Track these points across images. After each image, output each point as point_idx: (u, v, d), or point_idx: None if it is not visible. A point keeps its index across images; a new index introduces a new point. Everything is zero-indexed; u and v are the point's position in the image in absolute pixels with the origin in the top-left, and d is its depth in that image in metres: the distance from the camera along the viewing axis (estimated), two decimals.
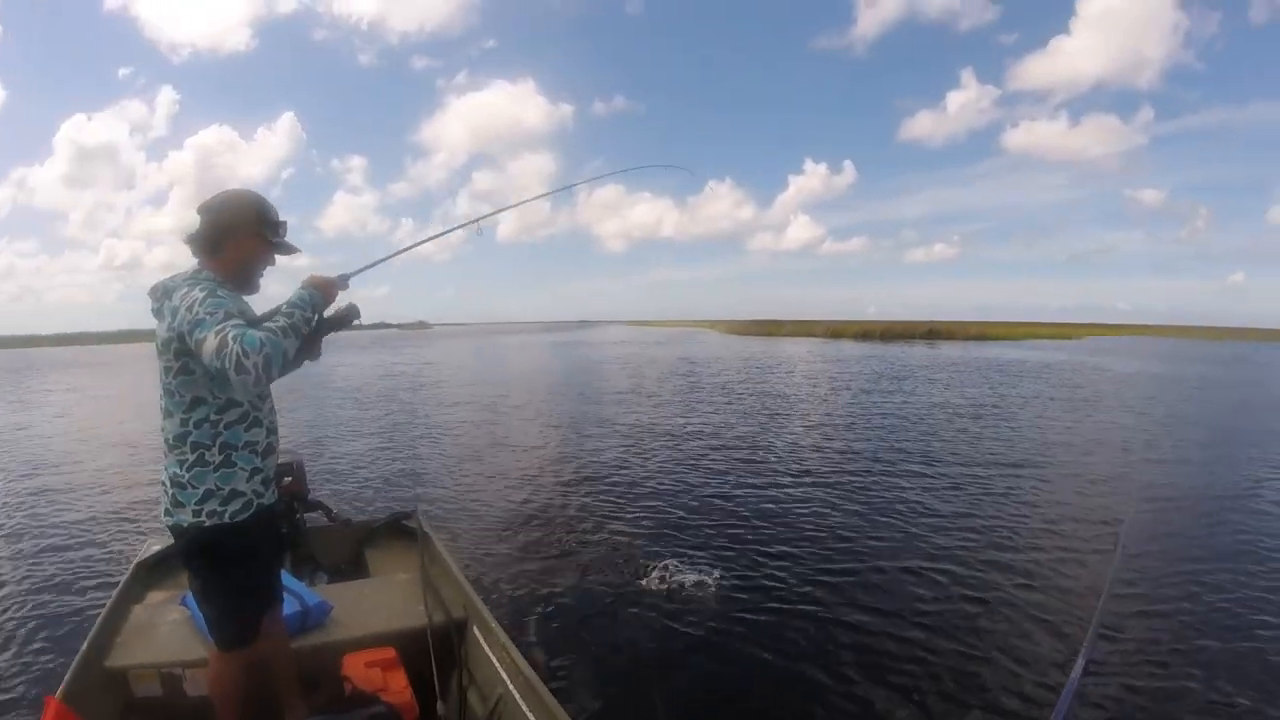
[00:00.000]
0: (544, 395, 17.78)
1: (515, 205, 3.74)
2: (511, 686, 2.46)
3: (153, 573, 3.43)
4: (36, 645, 3.91)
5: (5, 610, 4.44)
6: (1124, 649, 3.89)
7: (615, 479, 8.09)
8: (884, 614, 4.39)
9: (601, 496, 7.29)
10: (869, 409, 14.36)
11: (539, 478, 8.34)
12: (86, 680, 2.39)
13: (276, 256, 2.17)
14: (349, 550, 3.96)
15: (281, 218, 2.14)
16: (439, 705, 2.57)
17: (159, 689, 2.55)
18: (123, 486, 7.99)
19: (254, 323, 1.88)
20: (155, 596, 3.15)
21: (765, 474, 8.39)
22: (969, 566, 5.20)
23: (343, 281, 2.17)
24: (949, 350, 39.08)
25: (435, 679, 2.63)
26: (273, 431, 2.16)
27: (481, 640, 2.79)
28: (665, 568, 5.00)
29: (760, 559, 5.39)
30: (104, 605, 2.99)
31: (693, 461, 9.10)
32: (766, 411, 14.00)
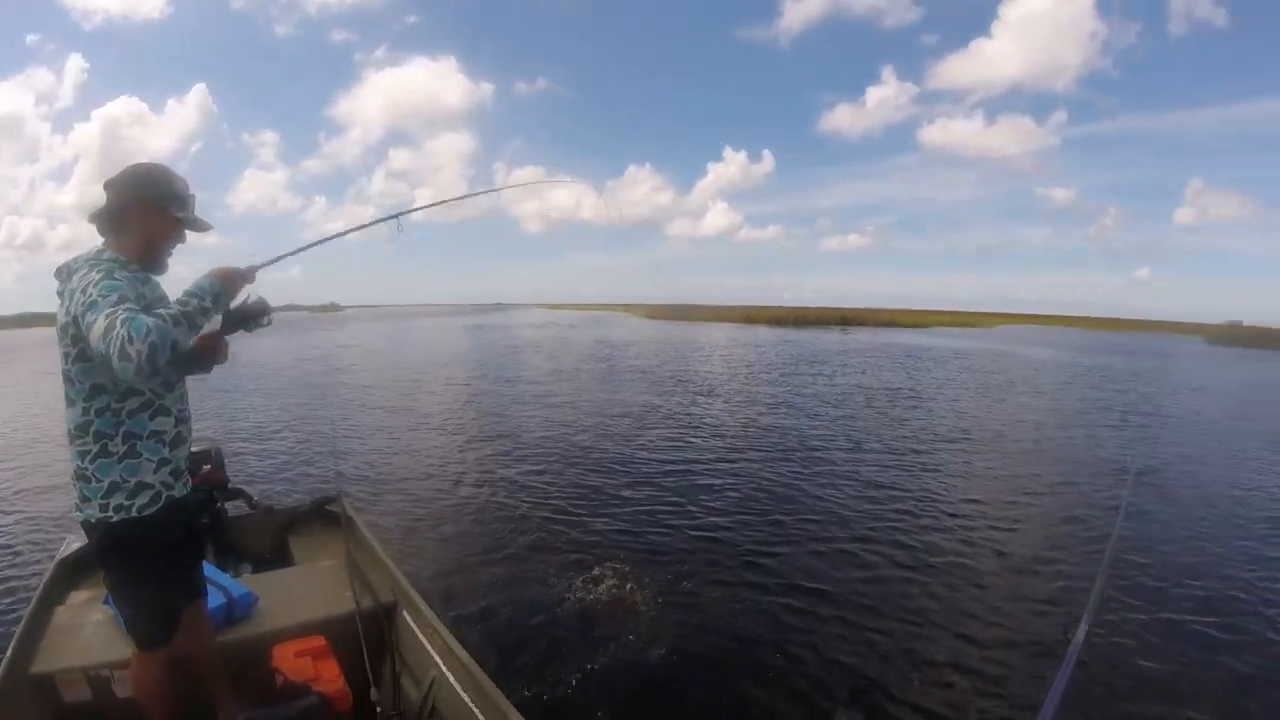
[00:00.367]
0: (462, 378, 17.43)
1: (434, 204, 3.55)
2: (444, 668, 2.44)
3: (75, 571, 3.23)
4: None
5: None
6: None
7: (537, 460, 8.04)
8: (815, 588, 4.54)
9: (524, 478, 7.24)
10: (791, 392, 14.78)
11: (460, 459, 8.21)
12: (13, 688, 2.27)
13: (187, 234, 2.02)
14: (272, 538, 3.81)
15: (191, 191, 2.01)
16: (372, 691, 2.51)
17: (88, 692, 2.41)
18: (39, 481, 7.35)
19: (151, 308, 1.75)
20: (78, 596, 2.96)
21: (690, 453, 8.53)
22: (897, 543, 5.43)
23: (249, 274, 2.00)
24: (861, 336, 40.53)
25: (367, 665, 2.57)
26: (183, 421, 2.03)
27: (412, 623, 2.76)
28: (591, 546, 5.04)
29: (689, 535, 5.50)
30: (26, 608, 2.82)
31: (615, 442, 9.15)
32: (688, 393, 14.19)
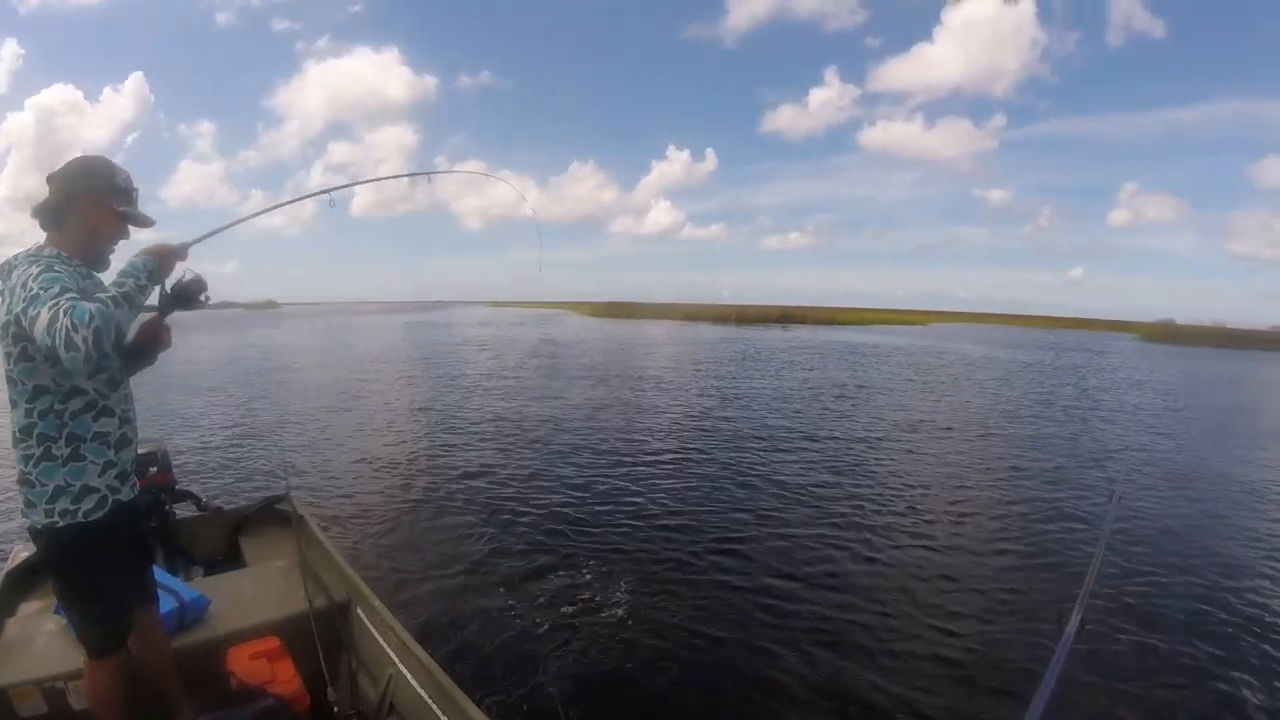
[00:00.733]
0: (405, 377, 17.06)
1: (369, 181, 3.53)
2: (401, 666, 2.41)
3: (24, 581, 3.05)
4: None
5: None
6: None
7: (485, 458, 7.95)
8: (784, 584, 4.55)
9: (472, 475, 7.15)
10: (736, 389, 14.91)
11: (409, 456, 8.06)
12: None
13: (130, 229, 1.97)
14: (223, 540, 3.68)
15: (134, 184, 1.95)
16: (329, 691, 2.45)
17: (44, 705, 2.30)
18: None
19: (90, 297, 1.70)
20: (29, 607, 2.82)
21: (643, 449, 8.54)
22: (865, 538, 5.48)
23: (182, 250, 1.95)
24: (802, 334, 41.12)
25: (323, 665, 2.52)
26: (127, 422, 1.97)
27: (367, 621, 2.71)
28: (544, 541, 5.02)
29: (644, 529, 5.52)
30: None
31: (564, 438, 9.12)
32: (636, 390, 14.23)
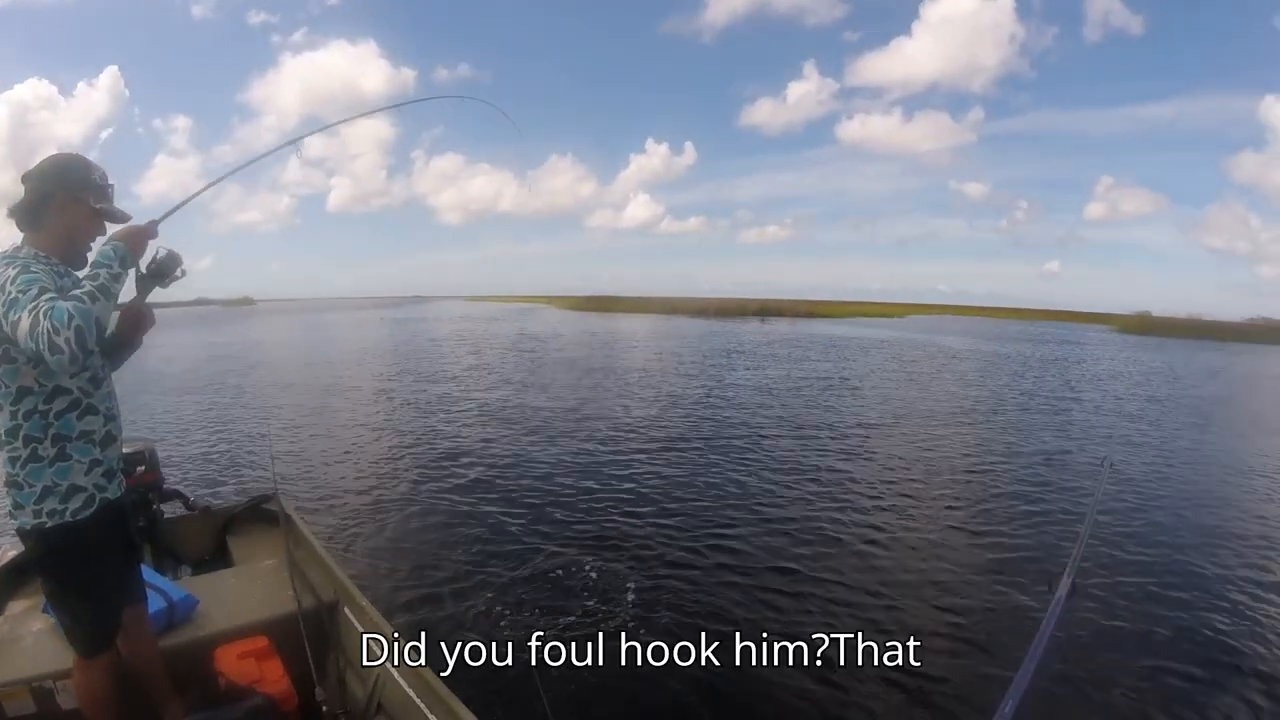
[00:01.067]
0: (388, 373, 16.90)
1: (338, 123, 3.42)
2: (389, 664, 2.38)
3: (12, 581, 3.01)
4: None
5: None
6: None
7: (469, 452, 7.91)
8: (779, 565, 4.62)
9: (457, 470, 7.11)
10: (720, 380, 14.95)
11: (394, 453, 8.00)
12: None
13: (107, 225, 1.92)
14: (211, 539, 3.64)
15: (110, 180, 1.91)
16: (317, 690, 2.42)
17: (32, 705, 2.26)
18: None
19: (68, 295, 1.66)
20: (17, 606, 2.78)
21: (629, 442, 8.53)
22: (855, 520, 5.56)
23: (151, 229, 1.91)
24: (781, 326, 41.23)
25: (311, 664, 2.48)
26: (111, 419, 1.94)
27: (355, 621, 2.68)
28: (530, 536, 5.00)
29: (633, 521, 5.52)
30: None
31: (548, 432, 9.11)
32: (619, 384, 14.20)
